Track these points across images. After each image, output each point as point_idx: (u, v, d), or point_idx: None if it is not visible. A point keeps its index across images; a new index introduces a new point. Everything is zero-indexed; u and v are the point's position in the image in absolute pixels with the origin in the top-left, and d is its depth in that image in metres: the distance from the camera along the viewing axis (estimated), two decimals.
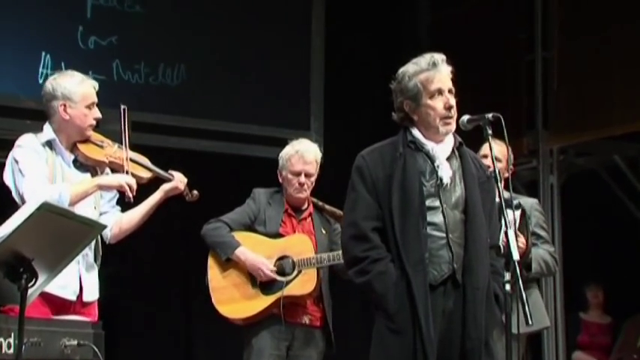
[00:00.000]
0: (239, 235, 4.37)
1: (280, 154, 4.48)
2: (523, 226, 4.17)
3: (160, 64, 6.16)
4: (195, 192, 3.94)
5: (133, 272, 5.91)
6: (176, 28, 6.24)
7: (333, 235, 4.49)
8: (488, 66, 6.81)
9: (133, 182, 3.63)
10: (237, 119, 6.35)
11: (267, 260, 4.32)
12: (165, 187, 3.82)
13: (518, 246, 4.06)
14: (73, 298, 3.58)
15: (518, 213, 4.18)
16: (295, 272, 4.33)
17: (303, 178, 4.39)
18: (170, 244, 6.02)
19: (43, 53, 5.79)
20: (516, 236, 4.07)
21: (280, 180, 4.47)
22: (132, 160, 3.73)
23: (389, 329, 3.14)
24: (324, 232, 4.46)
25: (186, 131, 6.19)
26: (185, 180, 3.86)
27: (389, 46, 6.97)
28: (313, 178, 4.44)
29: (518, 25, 6.89)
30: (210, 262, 4.38)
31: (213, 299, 4.34)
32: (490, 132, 3.17)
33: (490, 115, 3.17)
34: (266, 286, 4.33)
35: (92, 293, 3.66)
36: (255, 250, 4.33)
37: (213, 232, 4.36)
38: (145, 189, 3.79)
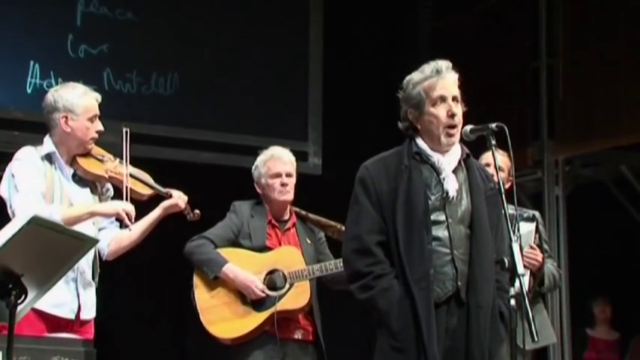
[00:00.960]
0: (225, 252, 4.33)
1: (254, 165, 4.47)
2: (537, 239, 4.18)
3: (152, 73, 6.16)
4: (197, 211, 3.95)
5: (128, 290, 5.90)
6: (169, 36, 6.25)
7: (319, 244, 4.49)
8: (492, 74, 6.82)
9: (131, 209, 3.63)
10: (232, 130, 6.35)
11: (256, 277, 4.29)
12: (165, 204, 3.83)
13: (536, 260, 4.09)
14: (72, 316, 3.59)
15: (533, 225, 4.19)
16: (287, 286, 4.31)
17: (285, 179, 4.39)
18: (165, 261, 6.01)
19: (32, 62, 5.80)
20: (533, 249, 4.09)
21: (260, 191, 4.45)
22: (132, 177, 3.74)
23: (392, 347, 3.12)
24: (309, 242, 4.45)
25: (181, 142, 6.20)
26: (186, 198, 3.88)
27: (390, 55, 6.99)
28: (294, 180, 4.44)
29: (522, 31, 6.91)
30: (196, 282, 4.32)
31: (202, 320, 4.28)
32: (494, 142, 3.17)
33: (494, 125, 3.17)
34: (258, 301, 4.30)
35: (90, 311, 3.67)
36: (244, 266, 4.30)
37: (198, 249, 4.31)
38: (144, 206, 3.80)
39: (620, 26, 6.36)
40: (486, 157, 4.01)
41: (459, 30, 7.18)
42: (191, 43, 6.31)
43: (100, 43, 6.01)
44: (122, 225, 3.65)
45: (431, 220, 3.17)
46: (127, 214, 3.60)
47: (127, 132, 3.75)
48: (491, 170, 3.85)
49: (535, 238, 4.19)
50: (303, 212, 4.51)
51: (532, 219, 4.22)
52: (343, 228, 4.33)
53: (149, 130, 6.06)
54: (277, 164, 4.41)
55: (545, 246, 4.38)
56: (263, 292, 4.27)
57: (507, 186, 4.27)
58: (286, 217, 4.47)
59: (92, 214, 3.62)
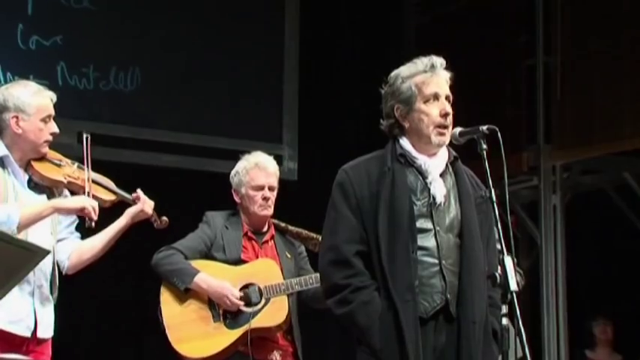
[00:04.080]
0: (196, 264, 4.33)
1: (235, 171, 4.46)
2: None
3: (111, 68, 6.16)
4: (164, 218, 3.98)
5: (85, 306, 5.88)
6: (130, 27, 6.25)
7: (299, 259, 4.50)
8: (484, 72, 6.86)
9: (96, 205, 3.63)
10: (199, 131, 6.35)
11: (231, 285, 4.29)
12: (130, 211, 3.84)
13: None
14: (28, 334, 3.57)
15: None
16: (263, 301, 4.31)
17: (267, 192, 4.40)
18: (128, 275, 6.00)
19: None
20: None
21: (237, 200, 4.44)
22: (93, 182, 3.74)
23: None
24: (289, 256, 4.45)
25: (143, 144, 6.19)
26: (152, 204, 3.89)
27: (372, 51, 7.01)
28: (275, 193, 4.45)
29: (517, 25, 6.95)
30: (164, 297, 4.31)
31: (170, 338, 4.26)
32: (485, 146, 3.18)
33: (485, 128, 3.18)
34: (230, 318, 4.30)
35: (48, 329, 3.65)
36: (217, 278, 4.30)
37: (167, 260, 4.31)
38: (108, 214, 3.79)
39: (624, 21, 6.41)
40: None
41: (447, 24, 7.21)
42: (154, 34, 6.30)
43: (54, 33, 5.99)
44: (85, 223, 3.64)
45: (416, 228, 3.17)
46: (93, 210, 3.61)
47: (87, 138, 3.75)
48: None
49: None
50: (283, 224, 4.51)
51: None
52: None
53: (108, 130, 6.05)
54: (261, 175, 4.41)
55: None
56: (239, 302, 4.26)
57: None
58: (264, 229, 4.48)
59: (55, 210, 3.62)
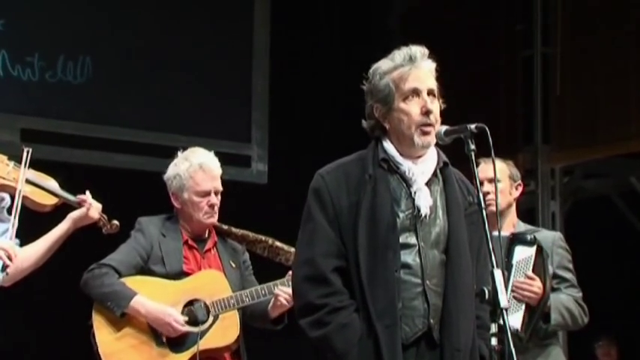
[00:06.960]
0: (132, 281, 4.27)
1: (174, 173, 4.39)
2: (539, 266, 4.24)
3: (58, 57, 6.14)
4: (115, 222, 3.99)
5: (27, 321, 5.86)
6: (81, 11, 6.23)
7: (243, 268, 4.48)
8: (476, 64, 6.89)
9: (11, 249, 3.53)
10: (158, 128, 6.34)
11: (174, 310, 4.25)
12: (73, 215, 3.84)
13: (534, 292, 4.16)
14: None
15: (532, 250, 4.25)
16: (211, 319, 4.28)
17: (214, 198, 4.36)
18: (72, 283, 5.97)
19: None
20: (531, 279, 4.17)
21: (177, 205, 4.39)
22: (31, 183, 3.73)
23: None
24: (233, 265, 4.42)
25: (94, 143, 6.17)
26: (100, 207, 3.89)
27: (354, 39, 7.02)
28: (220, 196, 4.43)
29: (512, 13, 6.98)
30: (97, 321, 4.25)
31: None
32: (473, 147, 3.18)
33: (473, 126, 3.17)
34: (175, 341, 4.25)
35: None
36: (157, 297, 4.25)
37: (98, 281, 4.24)
38: (51, 217, 3.78)
39: (629, 10, 6.45)
40: (484, 170, 4.02)
41: (436, 10, 7.24)
42: (108, 20, 6.28)
43: None
44: (2, 268, 3.56)
45: (399, 243, 3.17)
46: (8, 255, 3.51)
47: (28, 152, 3.72)
48: (486, 187, 3.99)
49: (538, 265, 4.25)
50: (225, 227, 4.48)
51: (531, 242, 4.28)
52: (276, 243, 4.38)
53: (54, 126, 6.04)
54: (207, 179, 4.36)
55: (567, 274, 4.44)
56: (183, 329, 4.24)
57: (516, 195, 4.45)
58: (205, 235, 4.44)
59: None
